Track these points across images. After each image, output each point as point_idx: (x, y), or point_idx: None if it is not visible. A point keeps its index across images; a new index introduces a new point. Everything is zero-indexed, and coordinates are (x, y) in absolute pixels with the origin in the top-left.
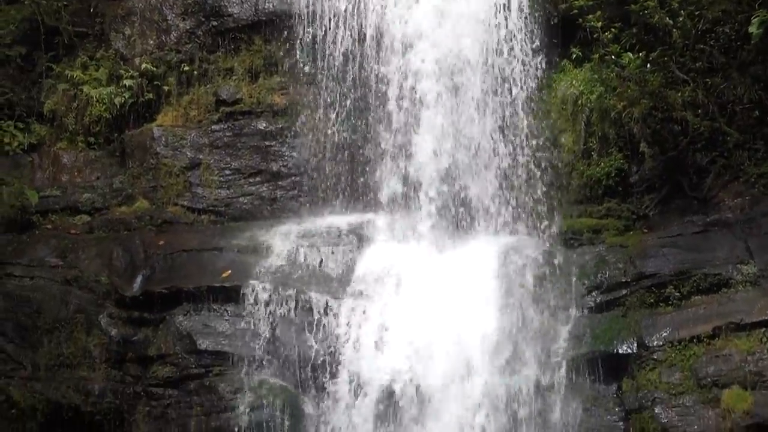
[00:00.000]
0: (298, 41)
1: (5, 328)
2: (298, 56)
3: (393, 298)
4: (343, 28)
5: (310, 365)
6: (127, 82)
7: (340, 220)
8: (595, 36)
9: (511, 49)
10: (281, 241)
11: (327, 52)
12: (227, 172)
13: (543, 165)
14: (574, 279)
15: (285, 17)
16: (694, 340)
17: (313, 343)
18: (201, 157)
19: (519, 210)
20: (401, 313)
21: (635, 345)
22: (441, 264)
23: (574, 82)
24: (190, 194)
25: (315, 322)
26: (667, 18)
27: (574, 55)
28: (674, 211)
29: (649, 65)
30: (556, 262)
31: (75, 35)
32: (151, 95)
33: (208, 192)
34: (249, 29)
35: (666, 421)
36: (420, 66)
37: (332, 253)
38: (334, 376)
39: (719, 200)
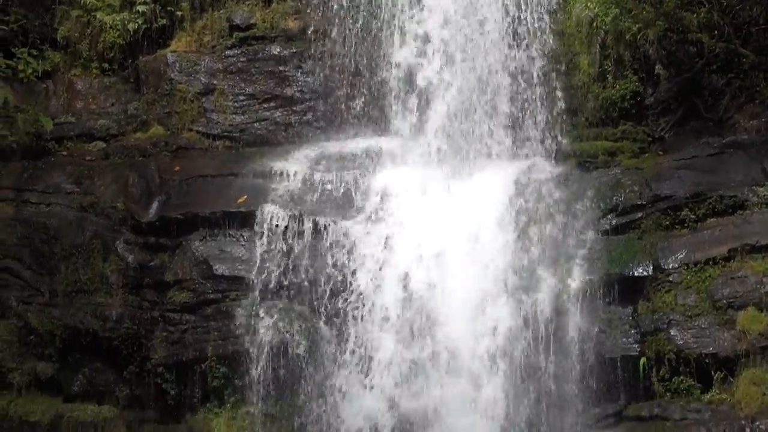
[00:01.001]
0: None
1: (22, 254)
2: None
3: (407, 220)
4: None
5: (325, 289)
6: (140, 8)
7: (355, 144)
8: None
9: None
10: (296, 166)
11: None
12: (241, 97)
13: (558, 88)
14: (589, 202)
15: None
16: (710, 263)
17: (329, 267)
18: (215, 82)
19: (534, 133)
20: (415, 235)
21: (651, 267)
22: (455, 187)
23: (589, 4)
24: (204, 120)
25: (330, 246)
26: None
27: None
28: (689, 133)
29: None
30: (571, 185)
31: None
32: (164, 21)
33: (223, 118)
34: None
35: (681, 342)
36: None
37: (347, 177)
38: (349, 298)
39: (735, 122)
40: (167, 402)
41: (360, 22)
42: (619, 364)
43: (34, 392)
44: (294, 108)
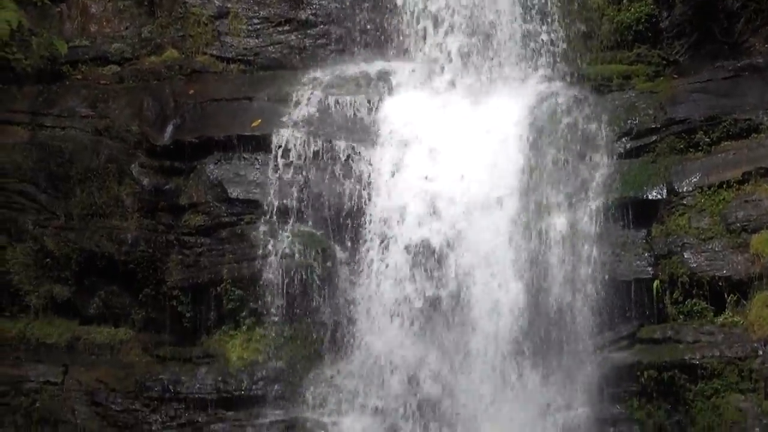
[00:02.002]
0: None
1: (38, 178)
2: None
3: (422, 143)
4: None
5: (341, 212)
6: None
7: (369, 68)
8: None
9: None
10: (310, 89)
11: None
12: (255, 20)
13: (573, 11)
14: (604, 126)
15: None
16: (724, 186)
17: (344, 191)
18: (229, 6)
19: (548, 57)
20: (430, 158)
21: (665, 191)
22: (469, 110)
23: None
24: (218, 43)
25: (345, 170)
26: None
27: None
28: (704, 56)
29: None
30: (585, 108)
31: None
32: None
33: (237, 41)
34: None
35: (695, 266)
36: None
37: (361, 100)
38: (365, 220)
39: (750, 45)
40: (183, 325)
41: None
42: (632, 286)
43: (51, 315)
44: (308, 31)
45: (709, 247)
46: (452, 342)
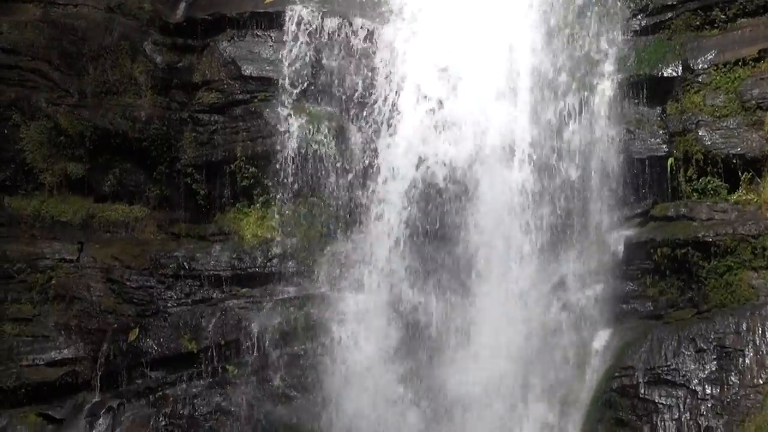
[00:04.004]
0: None
1: (51, 56)
2: None
3: (437, 20)
4: None
5: (354, 89)
6: None
7: None
8: None
9: None
10: None
11: None
12: None
13: None
14: (619, 2)
15: None
16: (740, 63)
17: (358, 67)
18: None
19: None
20: (445, 36)
21: (680, 68)
22: None
23: None
24: None
25: (359, 47)
26: None
27: None
28: None
29: None
30: None
31: None
32: None
33: None
34: None
35: (710, 143)
36: None
37: None
38: (377, 96)
39: None
40: (197, 202)
41: None
42: (646, 164)
43: (65, 193)
44: None
45: (724, 124)
46: (458, 214)
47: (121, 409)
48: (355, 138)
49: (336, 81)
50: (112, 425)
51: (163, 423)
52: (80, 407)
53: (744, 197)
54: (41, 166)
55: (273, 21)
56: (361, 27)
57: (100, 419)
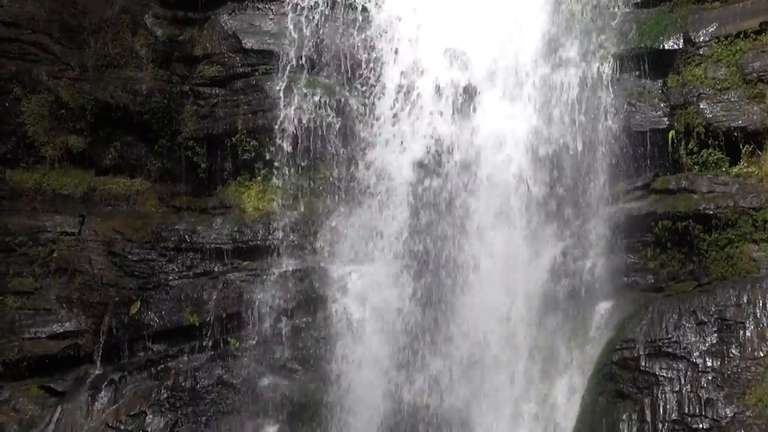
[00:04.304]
0: None
1: (51, 29)
2: None
3: None
4: None
5: (355, 63)
6: None
7: None
8: None
9: None
10: None
11: None
12: None
13: None
14: None
15: None
16: (741, 36)
17: (358, 41)
18: None
19: None
20: (446, 12)
21: (681, 41)
22: None
23: None
24: None
25: (360, 20)
26: None
27: None
28: None
29: None
30: None
31: None
32: None
33: None
34: None
35: (711, 116)
36: None
37: None
38: (379, 72)
39: None
40: (198, 175)
41: None
42: (647, 137)
43: (67, 166)
44: None
45: (725, 97)
46: (462, 173)
47: (122, 381)
48: (357, 109)
49: (337, 53)
50: (113, 398)
51: (165, 395)
52: (82, 380)
53: (745, 170)
54: (42, 140)
55: None
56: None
57: (102, 392)
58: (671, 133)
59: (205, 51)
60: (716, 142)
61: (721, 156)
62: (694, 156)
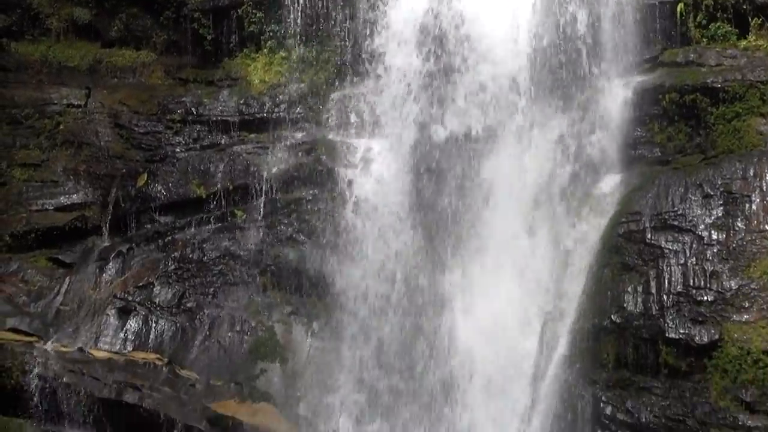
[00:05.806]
0: None
1: None
2: None
3: None
4: None
5: None
6: None
7: None
8: None
9: None
10: None
11: None
12: None
13: None
14: None
15: None
16: None
17: None
18: None
19: None
20: None
21: None
22: None
23: None
24: None
25: None
26: None
27: None
28: None
29: None
30: None
31: None
32: None
33: None
34: None
35: None
36: None
37: None
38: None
39: None
40: (204, 47)
41: None
42: (657, 10)
43: (72, 38)
44: None
45: None
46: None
47: (130, 253)
48: None
49: None
50: (121, 269)
51: (173, 267)
52: (90, 252)
53: (754, 43)
54: (47, 11)
55: None
56: None
57: (110, 263)
58: (680, 6)
59: None
60: (725, 15)
61: (730, 29)
62: (703, 29)
